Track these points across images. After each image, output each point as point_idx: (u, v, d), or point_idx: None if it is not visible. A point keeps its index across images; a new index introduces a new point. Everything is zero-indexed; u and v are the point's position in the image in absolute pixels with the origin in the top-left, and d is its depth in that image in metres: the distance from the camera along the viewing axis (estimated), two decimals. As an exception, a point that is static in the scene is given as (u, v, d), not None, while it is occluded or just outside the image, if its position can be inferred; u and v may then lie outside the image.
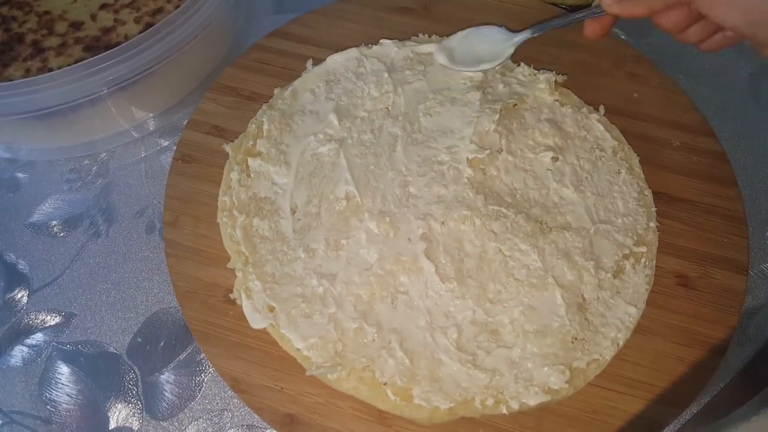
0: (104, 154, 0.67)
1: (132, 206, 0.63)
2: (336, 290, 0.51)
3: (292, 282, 0.52)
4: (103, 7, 0.67)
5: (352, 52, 0.66)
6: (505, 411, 0.46)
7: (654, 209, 0.57)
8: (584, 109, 0.62)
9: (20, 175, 0.66)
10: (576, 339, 0.49)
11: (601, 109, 0.63)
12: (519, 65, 0.65)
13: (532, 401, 0.46)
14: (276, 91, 0.64)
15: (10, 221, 0.63)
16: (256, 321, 0.50)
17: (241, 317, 0.51)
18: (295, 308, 0.50)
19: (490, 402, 0.46)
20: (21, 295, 0.58)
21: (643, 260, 0.53)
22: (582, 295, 0.51)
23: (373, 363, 0.48)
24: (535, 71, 0.64)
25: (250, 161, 0.58)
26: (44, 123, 0.60)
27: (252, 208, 0.56)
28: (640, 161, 0.60)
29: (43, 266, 0.60)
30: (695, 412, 0.51)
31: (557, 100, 0.63)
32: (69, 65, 0.58)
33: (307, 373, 0.48)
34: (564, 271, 0.51)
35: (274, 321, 0.50)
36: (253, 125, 0.61)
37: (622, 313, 0.50)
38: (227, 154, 0.59)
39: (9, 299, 0.58)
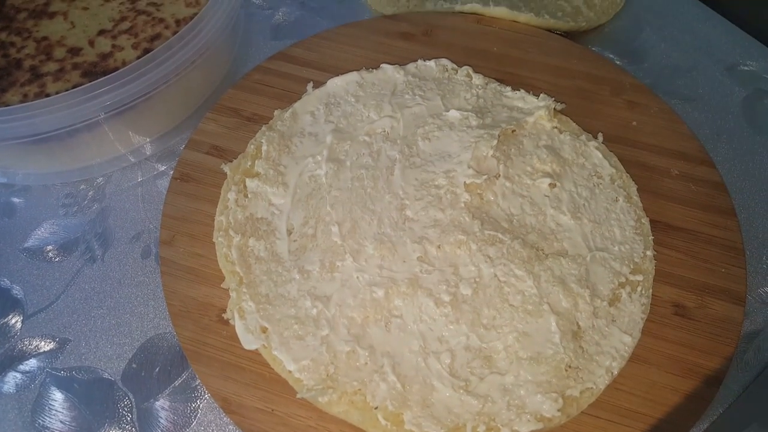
0: (101, 178, 0.67)
1: (128, 231, 0.63)
2: (329, 312, 0.51)
3: (286, 303, 0.52)
4: (101, 33, 0.68)
5: (353, 76, 0.66)
6: (496, 439, 0.45)
7: (651, 238, 0.56)
8: (583, 137, 0.63)
9: (16, 199, 0.66)
10: (570, 367, 0.48)
11: (600, 136, 0.63)
12: (519, 91, 0.66)
13: (524, 429, 0.45)
14: (276, 112, 0.64)
15: (5, 246, 0.63)
16: (249, 342, 0.50)
17: (234, 338, 0.51)
18: (287, 330, 0.50)
19: (481, 429, 0.45)
20: (15, 321, 0.58)
21: (639, 289, 0.53)
22: (577, 323, 0.51)
23: (364, 387, 0.47)
24: (534, 97, 0.65)
25: (248, 182, 0.58)
26: (41, 148, 0.60)
27: (248, 228, 0.56)
28: (638, 189, 0.60)
29: (37, 291, 0.60)
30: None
31: (556, 127, 0.63)
32: (67, 90, 0.58)
33: (298, 396, 0.47)
34: (559, 298, 0.51)
35: (267, 342, 0.50)
36: (252, 146, 0.61)
37: (617, 341, 0.50)
38: (226, 174, 0.60)
39: (3, 324, 0.58)
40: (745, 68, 0.76)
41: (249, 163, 0.60)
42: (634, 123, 0.65)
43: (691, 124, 0.65)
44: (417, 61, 0.69)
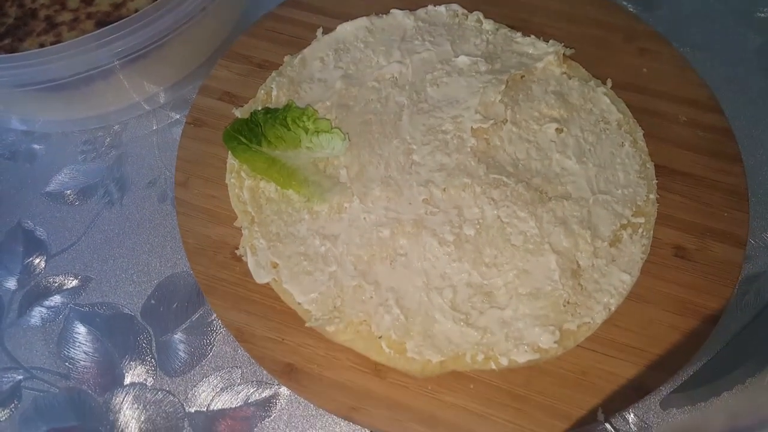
0: (117, 126, 0.69)
1: (144, 176, 0.65)
2: (337, 250, 0.53)
3: (296, 241, 0.54)
4: None
5: (362, 21, 0.67)
6: (494, 367, 0.47)
7: (655, 181, 0.57)
8: (591, 82, 0.63)
9: (36, 146, 0.69)
10: (568, 303, 0.50)
11: (609, 82, 0.63)
12: (529, 37, 0.66)
13: (521, 358, 0.47)
14: (286, 58, 0.65)
15: (28, 190, 0.65)
16: (260, 276, 0.52)
17: (247, 273, 0.53)
18: (297, 265, 0.52)
19: (480, 358, 0.47)
20: (39, 260, 0.61)
21: (640, 230, 0.54)
22: (577, 262, 0.52)
23: (369, 318, 0.49)
24: (545, 42, 0.65)
25: (259, 125, 0.60)
26: (58, 95, 0.62)
27: (259, 170, 0.58)
28: (644, 135, 0.60)
29: (59, 233, 0.62)
30: (692, 373, 0.52)
31: (565, 73, 0.63)
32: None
33: (307, 324, 0.50)
34: (560, 239, 0.52)
35: (277, 276, 0.52)
36: (263, 92, 0.62)
37: (615, 280, 0.51)
38: (237, 118, 0.61)
39: (28, 264, 0.61)
40: (761, 15, 0.75)
41: (259, 108, 0.61)
42: (645, 70, 0.65)
43: (704, 71, 0.65)
44: (427, 6, 0.68)
